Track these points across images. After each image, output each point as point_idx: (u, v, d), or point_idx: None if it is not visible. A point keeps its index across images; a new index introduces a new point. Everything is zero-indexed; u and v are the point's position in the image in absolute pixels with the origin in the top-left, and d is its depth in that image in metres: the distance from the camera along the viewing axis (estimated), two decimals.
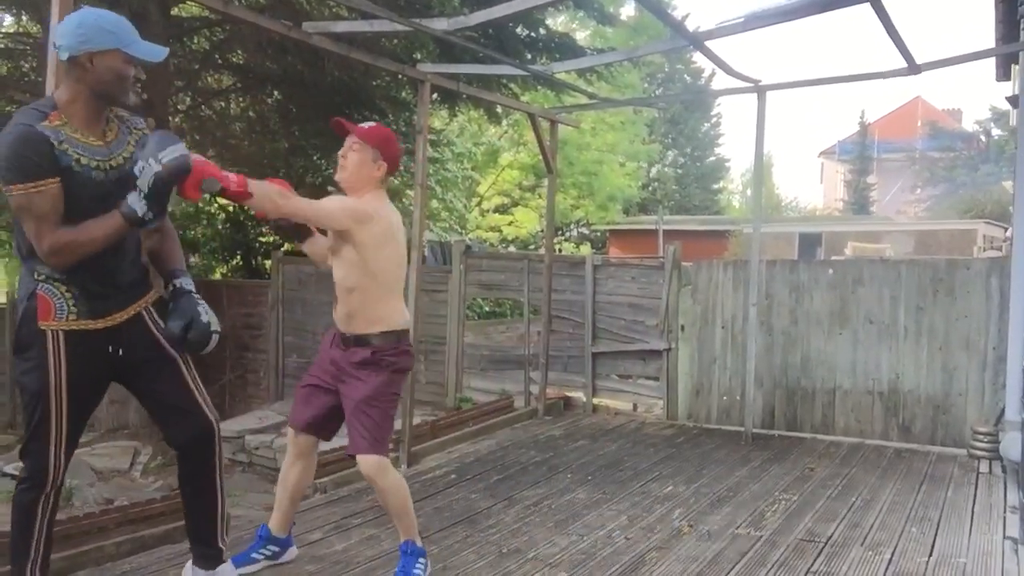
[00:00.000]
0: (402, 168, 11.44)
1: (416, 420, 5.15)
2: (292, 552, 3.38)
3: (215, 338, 2.60)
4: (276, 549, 3.31)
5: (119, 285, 2.60)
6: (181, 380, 2.73)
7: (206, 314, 2.59)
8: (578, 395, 7.38)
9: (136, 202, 2.40)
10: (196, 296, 2.62)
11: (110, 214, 2.43)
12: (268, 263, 11.02)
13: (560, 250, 19.36)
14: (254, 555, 3.28)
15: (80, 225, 2.41)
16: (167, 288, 2.67)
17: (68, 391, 2.51)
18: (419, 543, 3.17)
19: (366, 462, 3.00)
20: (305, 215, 2.89)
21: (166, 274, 2.70)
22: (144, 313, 2.68)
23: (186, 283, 2.65)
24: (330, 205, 2.95)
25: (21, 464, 2.64)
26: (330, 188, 11.68)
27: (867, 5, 4.02)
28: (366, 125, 3.14)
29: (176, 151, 2.38)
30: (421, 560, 3.14)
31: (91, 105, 2.47)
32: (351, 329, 3.06)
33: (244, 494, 7.10)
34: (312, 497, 4.66)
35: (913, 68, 4.97)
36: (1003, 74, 8.15)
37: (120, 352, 2.62)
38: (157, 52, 2.50)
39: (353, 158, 3.03)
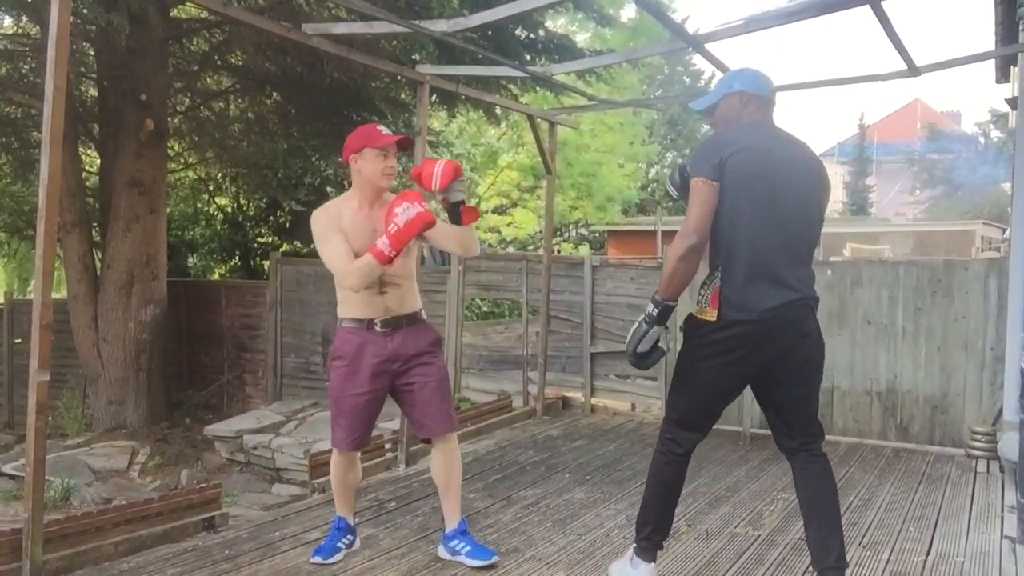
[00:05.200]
0: (401, 169, 11.46)
1: None
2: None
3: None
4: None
5: None
6: None
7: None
8: (576, 395, 7.39)
9: None
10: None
11: None
12: (266, 263, 11.02)
13: (559, 251, 19.36)
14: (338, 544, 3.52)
15: None
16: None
17: None
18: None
19: (455, 436, 3.43)
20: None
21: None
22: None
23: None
24: None
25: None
26: (329, 189, 11.70)
27: (867, 7, 4.02)
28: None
29: None
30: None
31: None
32: (405, 309, 3.32)
33: (242, 494, 7.10)
34: (310, 497, 4.66)
35: (913, 70, 4.97)
36: (1002, 76, 8.15)
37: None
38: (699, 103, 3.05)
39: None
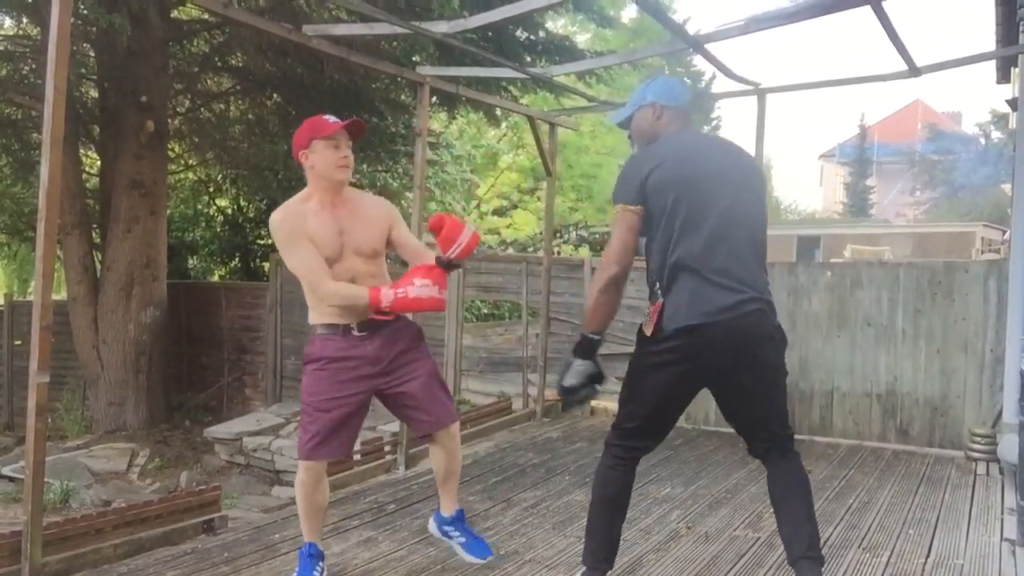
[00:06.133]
0: (401, 171, 11.46)
1: None
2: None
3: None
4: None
5: None
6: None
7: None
8: None
9: None
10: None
11: None
12: (266, 265, 11.03)
13: (559, 252, 19.36)
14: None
15: None
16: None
17: None
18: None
19: (456, 425, 3.25)
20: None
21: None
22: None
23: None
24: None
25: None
26: None
27: (868, 8, 4.02)
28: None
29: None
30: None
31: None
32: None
33: (241, 496, 7.11)
34: None
35: (913, 71, 4.98)
36: (1003, 77, 8.16)
37: None
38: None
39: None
